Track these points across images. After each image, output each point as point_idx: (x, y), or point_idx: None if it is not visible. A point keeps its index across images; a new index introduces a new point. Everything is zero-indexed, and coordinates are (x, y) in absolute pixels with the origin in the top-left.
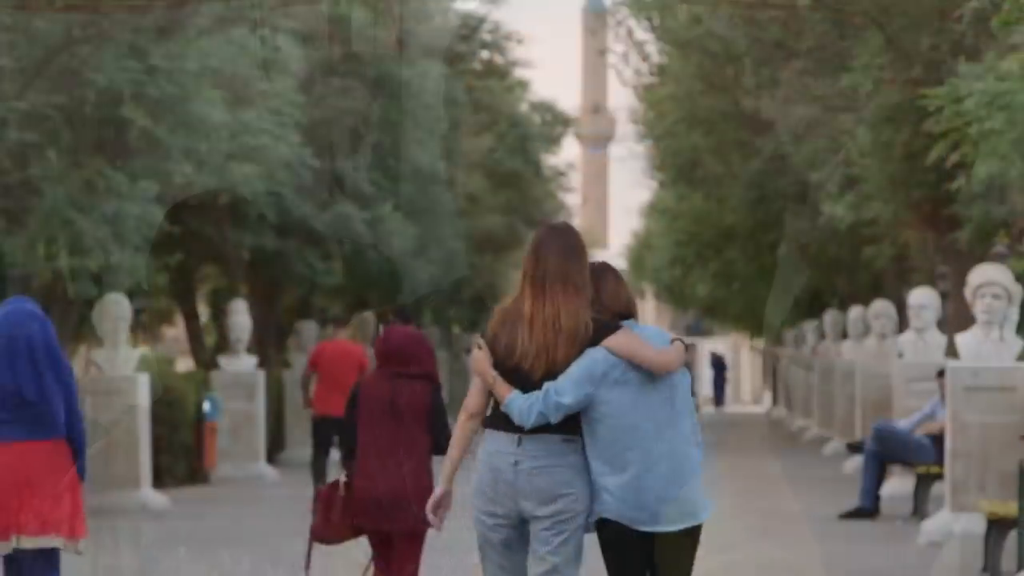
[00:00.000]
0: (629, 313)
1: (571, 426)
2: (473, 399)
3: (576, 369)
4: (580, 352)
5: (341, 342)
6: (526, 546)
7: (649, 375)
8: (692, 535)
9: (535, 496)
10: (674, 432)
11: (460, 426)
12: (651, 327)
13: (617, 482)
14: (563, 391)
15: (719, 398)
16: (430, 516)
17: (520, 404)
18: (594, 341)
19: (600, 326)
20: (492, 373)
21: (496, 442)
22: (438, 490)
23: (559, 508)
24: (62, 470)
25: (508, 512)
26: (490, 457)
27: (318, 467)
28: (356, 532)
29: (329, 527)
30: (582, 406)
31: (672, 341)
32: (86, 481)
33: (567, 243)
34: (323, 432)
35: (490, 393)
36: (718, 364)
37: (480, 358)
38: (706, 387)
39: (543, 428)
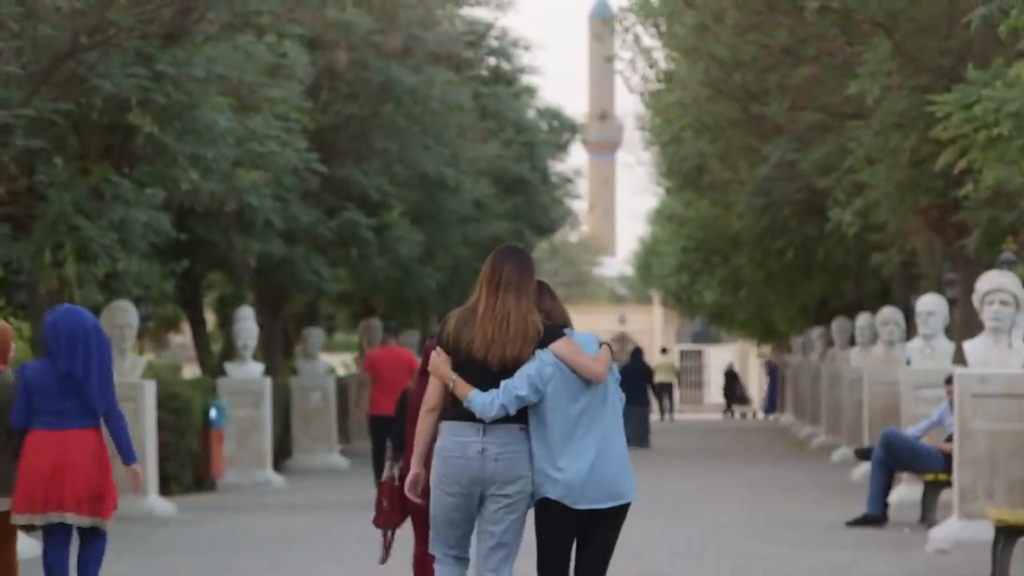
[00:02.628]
0: (564, 323)
1: (522, 416)
2: (432, 396)
3: (529, 367)
4: (532, 351)
5: (393, 349)
6: (472, 521)
7: None
8: (620, 513)
9: (499, 478)
10: (608, 423)
11: (422, 419)
12: (583, 334)
13: (557, 466)
14: (520, 386)
15: (771, 405)
16: (409, 494)
17: (482, 399)
18: (544, 343)
19: (548, 331)
20: (452, 376)
21: (460, 433)
22: (412, 472)
23: (517, 489)
24: (103, 454)
25: (470, 492)
26: (457, 447)
27: (379, 463)
28: (406, 516)
29: (383, 514)
30: (536, 400)
31: (600, 345)
32: None
33: (522, 261)
34: (380, 431)
35: (447, 390)
36: (773, 371)
37: (438, 362)
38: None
39: (503, 418)
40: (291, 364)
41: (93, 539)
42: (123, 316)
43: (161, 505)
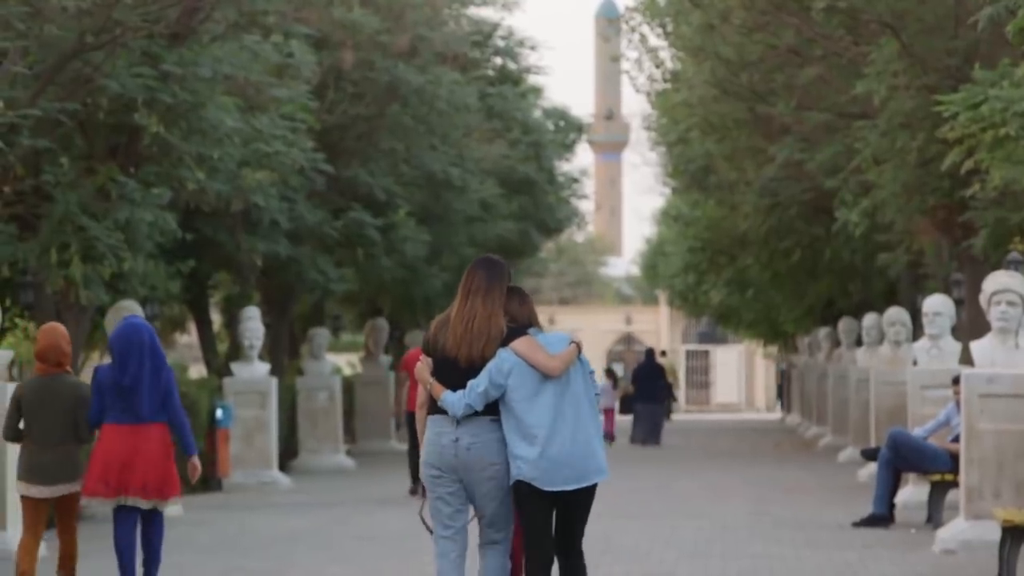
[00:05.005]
0: (531, 323)
1: (494, 409)
2: (422, 395)
3: (490, 365)
4: (495, 349)
5: None
6: (464, 498)
7: None
8: (587, 493)
9: (472, 466)
10: (572, 412)
11: (417, 415)
12: (554, 333)
13: (527, 452)
14: (479, 383)
15: None
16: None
17: (452, 399)
18: (506, 342)
19: (511, 331)
20: (430, 380)
21: (439, 425)
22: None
23: (493, 474)
24: (165, 446)
25: (448, 475)
26: (435, 436)
27: (415, 456)
28: None
29: None
30: (498, 393)
31: (570, 343)
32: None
33: (493, 269)
34: (415, 425)
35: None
36: None
37: (421, 369)
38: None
39: (475, 412)
40: (297, 364)
41: (153, 519)
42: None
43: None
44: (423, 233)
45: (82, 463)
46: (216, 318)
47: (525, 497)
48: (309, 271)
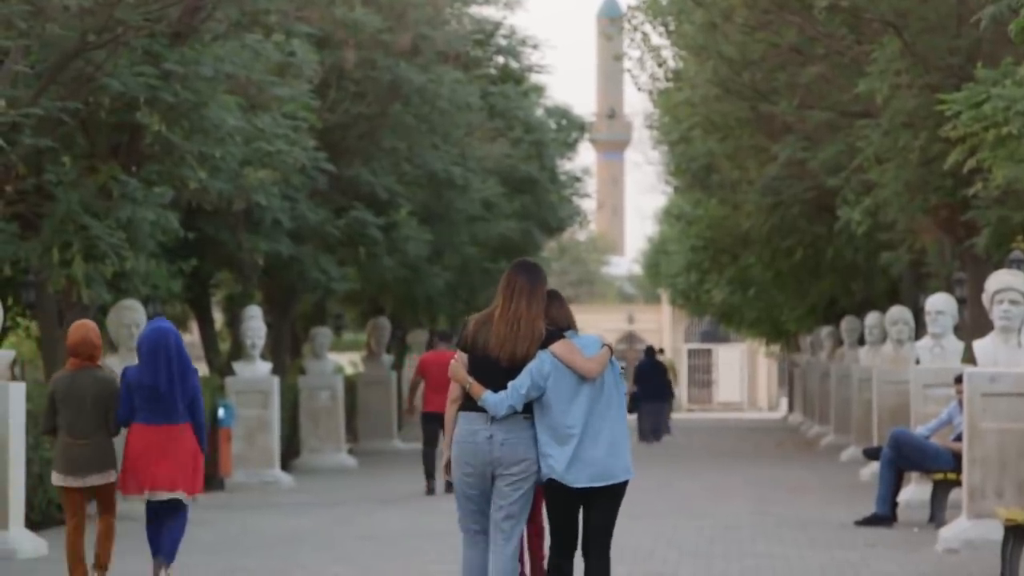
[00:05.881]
0: (569, 326)
1: (527, 407)
2: (454, 391)
3: (531, 365)
4: (537, 350)
5: (442, 352)
6: (489, 498)
7: None
8: (615, 491)
9: (505, 460)
10: (602, 413)
11: (448, 410)
12: (588, 336)
13: (559, 451)
14: (521, 384)
15: None
16: (444, 475)
17: (494, 400)
18: (545, 344)
19: (550, 334)
20: (468, 379)
21: (472, 422)
22: (445, 456)
23: (520, 469)
24: (189, 445)
25: (482, 472)
26: (469, 434)
27: (428, 455)
28: None
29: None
30: (538, 394)
31: (603, 346)
32: None
33: (534, 273)
34: (431, 426)
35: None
36: None
37: (456, 367)
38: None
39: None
40: (299, 363)
41: (177, 511)
42: (131, 315)
43: None
44: (425, 232)
45: (115, 454)
46: (218, 317)
47: (554, 494)
48: (311, 270)
